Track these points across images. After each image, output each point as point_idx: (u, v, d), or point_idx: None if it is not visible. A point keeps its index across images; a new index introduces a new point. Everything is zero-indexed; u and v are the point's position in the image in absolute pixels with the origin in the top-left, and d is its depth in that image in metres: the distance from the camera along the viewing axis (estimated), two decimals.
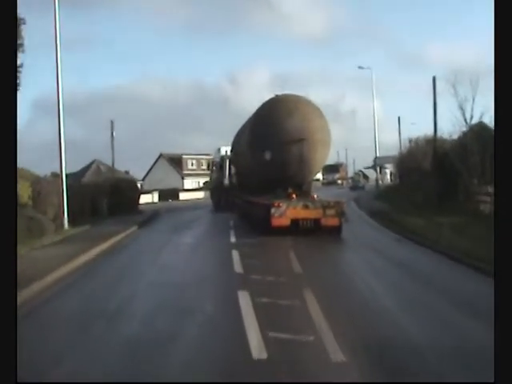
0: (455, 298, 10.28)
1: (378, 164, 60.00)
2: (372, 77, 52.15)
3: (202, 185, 78.18)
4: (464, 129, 30.23)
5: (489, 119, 27.98)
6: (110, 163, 55.46)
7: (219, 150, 41.92)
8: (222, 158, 39.42)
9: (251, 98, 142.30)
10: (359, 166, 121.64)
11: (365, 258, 15.40)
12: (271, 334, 7.55)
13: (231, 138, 34.80)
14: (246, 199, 25.96)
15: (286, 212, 19.49)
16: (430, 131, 37.38)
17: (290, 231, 19.40)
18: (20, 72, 19.33)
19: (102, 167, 66.63)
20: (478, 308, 9.19)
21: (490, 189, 23.40)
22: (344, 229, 20.19)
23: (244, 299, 9.74)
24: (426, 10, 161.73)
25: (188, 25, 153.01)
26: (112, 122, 53.26)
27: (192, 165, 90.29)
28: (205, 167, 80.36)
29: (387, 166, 67.85)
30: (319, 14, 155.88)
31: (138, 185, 69.60)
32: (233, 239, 19.54)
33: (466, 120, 29.28)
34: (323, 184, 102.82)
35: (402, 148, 51.08)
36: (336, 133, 27.79)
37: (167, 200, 67.74)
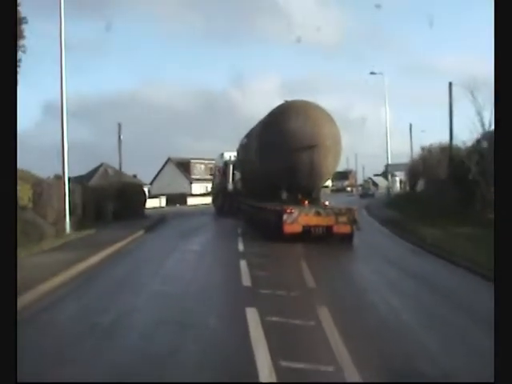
0: (478, 315, 9.44)
1: (387, 171, 58.93)
2: (384, 82, 50.88)
3: (210, 190, 77.38)
4: (481, 135, 29.23)
5: None
6: (117, 167, 54.92)
7: (222, 155, 41.37)
8: (226, 164, 39.17)
9: (260, 105, 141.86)
10: (368, 174, 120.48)
11: (381, 271, 14.43)
12: (284, 364, 6.59)
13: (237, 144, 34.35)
14: (254, 205, 25.54)
15: (298, 219, 19.16)
16: (440, 139, 36.66)
17: (302, 238, 18.98)
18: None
19: (109, 170, 66.16)
20: None
21: None
22: (356, 237, 19.75)
23: (252, 318, 8.78)
24: (438, 18, 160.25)
25: (197, 31, 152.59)
26: (119, 125, 52.86)
27: (200, 169, 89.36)
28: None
29: (397, 173, 66.86)
30: (330, 22, 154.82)
31: (146, 189, 69.10)
32: (241, 247, 18.62)
33: (483, 126, 28.21)
34: (332, 191, 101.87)
35: (414, 156, 50.15)
36: (345, 139, 27.47)
37: (175, 205, 67.09)
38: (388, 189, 57.90)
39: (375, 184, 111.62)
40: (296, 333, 8.22)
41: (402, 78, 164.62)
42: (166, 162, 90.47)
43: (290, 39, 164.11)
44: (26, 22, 19.54)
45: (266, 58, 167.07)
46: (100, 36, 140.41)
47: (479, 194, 27.22)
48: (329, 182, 79.94)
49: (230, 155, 39.28)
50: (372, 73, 50.16)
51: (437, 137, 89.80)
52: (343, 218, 19.36)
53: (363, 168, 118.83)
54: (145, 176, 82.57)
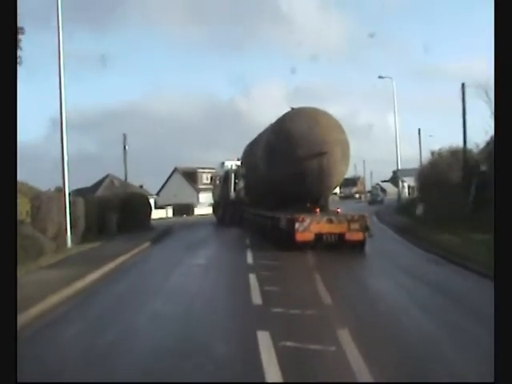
0: None
1: (397, 177, 58.02)
2: (393, 85, 49.85)
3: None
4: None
5: None
6: (123, 178, 54.23)
7: (223, 164, 41.06)
8: (227, 172, 38.86)
9: (265, 113, 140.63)
10: (375, 180, 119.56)
11: (401, 284, 13.33)
12: None
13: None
14: (263, 214, 25.21)
15: (309, 227, 18.96)
16: (449, 143, 35.74)
17: (312, 247, 18.76)
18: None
19: (115, 182, 65.64)
20: None
21: None
22: (370, 246, 19.41)
23: (265, 343, 7.75)
24: (442, 19, 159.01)
25: (202, 40, 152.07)
26: (124, 136, 52.25)
27: (207, 179, 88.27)
28: None
29: (405, 179, 65.92)
30: (334, 28, 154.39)
31: (152, 200, 68.36)
32: (249, 260, 17.59)
33: None
34: (340, 198, 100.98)
35: (423, 161, 49.13)
36: (352, 146, 26.86)
37: (182, 215, 66.25)
38: (398, 195, 56.84)
39: (383, 190, 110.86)
40: (315, 360, 7.19)
41: (407, 83, 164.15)
42: (173, 172, 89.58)
43: (294, 46, 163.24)
44: (23, 33, 18.75)
45: (271, 65, 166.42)
46: (105, 47, 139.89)
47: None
48: (337, 189, 79.14)
49: (232, 164, 39.34)
50: (380, 77, 49.44)
51: (445, 141, 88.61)
52: (355, 225, 19.12)
53: (371, 174, 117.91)
54: (151, 186, 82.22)
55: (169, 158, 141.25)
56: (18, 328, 8.18)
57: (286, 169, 20.98)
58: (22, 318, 9.33)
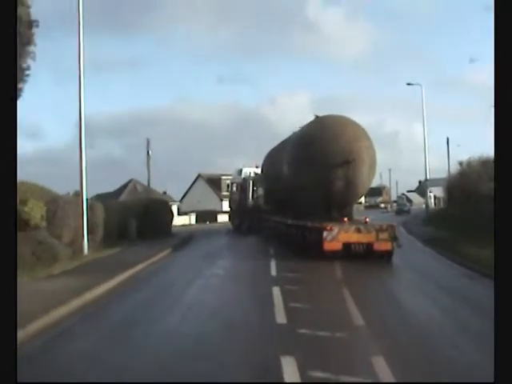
0: None
1: (425, 187, 56.57)
2: (422, 93, 48.31)
3: None
4: None
5: None
6: (146, 183, 53.70)
7: (241, 171, 40.31)
8: (245, 180, 38.18)
9: (290, 121, 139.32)
10: (401, 189, 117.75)
11: (438, 302, 12.16)
12: None
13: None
14: (287, 222, 24.79)
15: (338, 236, 18.69)
16: (477, 153, 34.51)
17: (340, 257, 18.26)
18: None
19: (138, 187, 65.25)
20: None
21: None
22: (400, 259, 18.93)
23: (290, 371, 6.75)
24: (470, 31, 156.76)
25: (229, 48, 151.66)
26: (148, 141, 51.59)
27: None
28: None
29: (431, 189, 64.47)
30: (361, 37, 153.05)
31: (175, 206, 67.74)
32: (273, 272, 16.57)
33: None
34: (366, 207, 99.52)
35: (451, 170, 47.72)
36: (377, 155, 26.15)
37: (205, 222, 65.53)
38: (426, 205, 55.41)
39: (409, 200, 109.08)
40: None
41: (432, 93, 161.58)
42: (196, 179, 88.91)
43: (320, 55, 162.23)
44: (37, 26, 17.91)
45: (297, 74, 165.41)
46: (134, 53, 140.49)
47: None
48: (362, 199, 77.91)
49: (250, 171, 38.65)
50: (409, 83, 47.92)
51: (471, 151, 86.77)
52: (384, 235, 18.86)
53: (396, 183, 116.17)
54: (175, 193, 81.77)
55: (194, 164, 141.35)
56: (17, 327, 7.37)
57: (311, 177, 20.63)
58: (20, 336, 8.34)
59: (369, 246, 18.79)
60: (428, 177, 50.62)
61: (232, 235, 37.31)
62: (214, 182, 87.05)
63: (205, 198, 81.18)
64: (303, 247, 20.95)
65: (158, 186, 64.89)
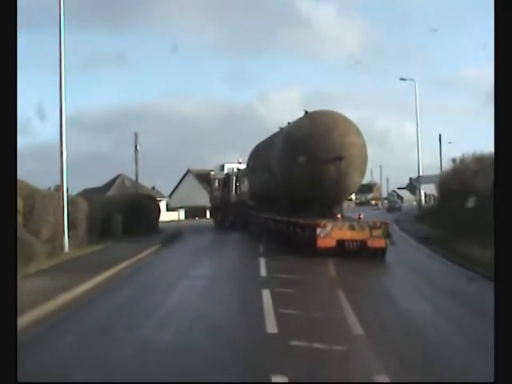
0: None
1: (417, 184, 55.88)
2: (415, 87, 47.41)
3: None
4: None
5: None
6: (135, 178, 52.86)
7: (223, 166, 39.70)
8: (228, 175, 37.81)
9: (281, 117, 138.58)
10: (391, 186, 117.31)
11: (439, 306, 11.35)
12: None
13: None
14: (274, 218, 24.61)
15: (331, 233, 18.38)
16: (469, 150, 33.96)
17: (332, 255, 17.81)
18: None
19: (126, 182, 64.44)
20: None
21: None
22: (396, 258, 18.72)
23: None
24: (460, 27, 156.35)
25: (219, 42, 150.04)
26: (136, 135, 51.04)
27: None
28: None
29: (422, 186, 63.82)
30: (353, 33, 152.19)
31: (164, 201, 66.79)
32: (263, 272, 15.62)
33: None
34: (356, 204, 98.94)
35: (444, 168, 47.21)
36: (369, 151, 25.69)
37: (194, 218, 64.61)
38: (419, 202, 54.92)
39: (400, 197, 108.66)
40: None
41: (423, 90, 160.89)
42: (186, 174, 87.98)
43: (312, 52, 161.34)
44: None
45: (288, 70, 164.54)
46: (121, 48, 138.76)
47: None
48: (352, 195, 77.31)
49: (233, 167, 38.18)
50: (402, 79, 47.17)
51: (463, 149, 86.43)
52: (378, 232, 18.67)
53: (387, 180, 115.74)
54: (164, 188, 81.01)
55: (183, 159, 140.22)
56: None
57: (302, 172, 20.32)
58: None
59: (362, 243, 18.56)
60: (417, 174, 50.13)
61: (219, 231, 36.39)
62: (204, 178, 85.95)
63: (194, 194, 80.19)
64: (295, 244, 20.62)
65: (146, 182, 64.24)
